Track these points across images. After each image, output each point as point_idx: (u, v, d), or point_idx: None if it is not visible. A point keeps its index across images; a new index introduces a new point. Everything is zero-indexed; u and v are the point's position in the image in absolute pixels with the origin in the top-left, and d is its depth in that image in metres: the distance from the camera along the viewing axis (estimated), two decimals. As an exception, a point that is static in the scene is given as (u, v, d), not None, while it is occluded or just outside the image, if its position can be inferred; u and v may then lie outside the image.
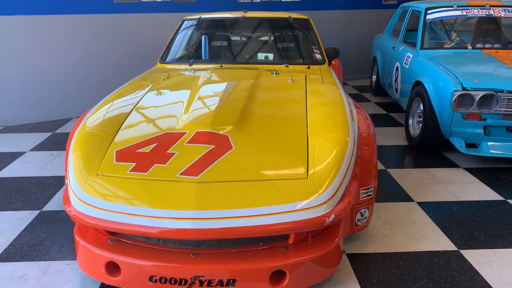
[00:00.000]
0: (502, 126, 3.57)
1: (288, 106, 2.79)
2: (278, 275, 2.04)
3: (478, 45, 4.55)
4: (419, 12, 4.97)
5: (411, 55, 4.70)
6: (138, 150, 2.30)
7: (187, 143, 2.30)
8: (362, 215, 2.50)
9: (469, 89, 3.50)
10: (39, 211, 3.00)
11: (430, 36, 4.84)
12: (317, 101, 2.79)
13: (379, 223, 2.81)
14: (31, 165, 3.84)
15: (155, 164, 2.18)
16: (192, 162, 2.16)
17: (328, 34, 7.08)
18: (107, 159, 2.26)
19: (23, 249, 2.54)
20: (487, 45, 4.52)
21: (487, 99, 3.47)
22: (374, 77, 6.50)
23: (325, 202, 2.04)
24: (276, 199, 2.01)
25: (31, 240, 2.64)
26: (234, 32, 4.16)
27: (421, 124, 4.07)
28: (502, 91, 3.44)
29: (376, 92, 6.43)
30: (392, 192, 3.25)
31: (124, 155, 2.28)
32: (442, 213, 2.95)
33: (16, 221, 2.87)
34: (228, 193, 2.03)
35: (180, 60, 3.84)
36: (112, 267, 2.08)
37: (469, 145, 3.74)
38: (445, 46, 4.72)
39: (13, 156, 4.05)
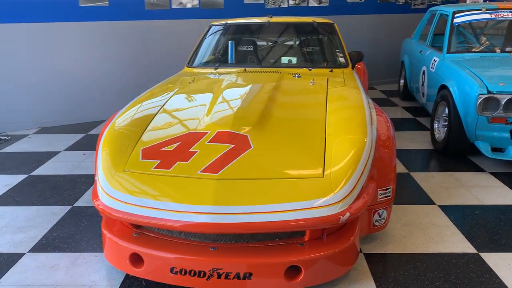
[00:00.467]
0: (529, 130, 3.52)
1: (308, 108, 2.86)
2: (293, 270, 2.10)
3: (508, 49, 4.49)
4: (447, 15, 4.94)
5: (437, 59, 4.68)
6: (163, 149, 2.41)
7: (208, 142, 2.40)
8: (380, 216, 2.53)
9: (494, 92, 3.47)
10: (71, 206, 3.17)
11: (458, 39, 4.80)
12: (337, 104, 2.84)
13: (398, 225, 2.83)
14: (64, 164, 4.04)
15: (178, 162, 2.29)
16: (213, 160, 2.26)
17: (356, 38, 7.10)
18: (133, 157, 2.38)
19: (55, 241, 2.70)
20: (517, 49, 4.45)
21: (514, 103, 3.44)
22: (402, 81, 6.46)
23: (340, 200, 2.09)
24: (292, 196, 2.08)
25: (63, 233, 2.79)
26: (259, 37, 4.26)
27: (446, 128, 4.04)
28: (529, 95, 3.40)
29: (403, 96, 6.39)
30: (414, 195, 3.26)
31: (150, 153, 2.40)
32: (464, 216, 2.94)
33: (49, 215, 3.04)
34: (245, 190, 2.11)
35: (206, 64, 3.96)
36: (136, 259, 2.19)
37: (495, 149, 3.69)
38: (472, 50, 4.68)
39: (48, 156, 4.27)
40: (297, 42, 4.29)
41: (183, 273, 2.10)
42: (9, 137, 4.90)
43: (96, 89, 5.57)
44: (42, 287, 2.26)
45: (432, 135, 4.36)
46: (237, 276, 2.06)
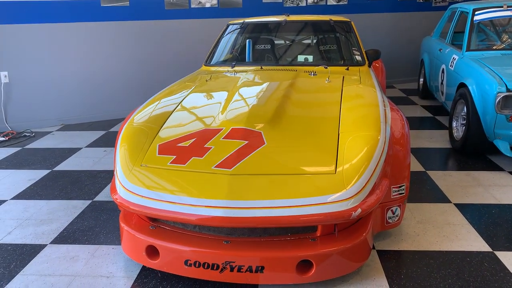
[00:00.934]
0: (549, 129, 3.47)
1: (322, 105, 2.88)
2: (305, 265, 2.13)
3: (530, 46, 4.41)
4: (467, 13, 4.88)
5: (456, 57, 4.63)
6: (179, 144, 2.47)
7: (223, 138, 2.45)
8: (393, 213, 2.54)
9: (513, 90, 3.43)
10: (91, 201, 3.26)
11: (478, 37, 4.74)
12: (351, 101, 2.85)
13: (413, 223, 2.83)
14: (86, 160, 4.15)
15: (193, 157, 2.34)
16: (227, 156, 2.30)
17: (376, 37, 7.06)
18: (150, 152, 2.45)
19: (75, 234, 2.79)
20: (539, 46, 4.37)
21: (533, 101, 3.39)
22: (421, 80, 6.40)
23: (352, 196, 2.11)
24: (304, 192, 2.11)
25: (83, 226, 2.88)
26: (276, 35, 4.29)
27: (464, 127, 4.00)
28: (549, 93, 3.34)
29: (423, 95, 6.32)
30: (429, 193, 3.24)
31: (166, 148, 2.46)
32: (480, 215, 2.91)
33: (70, 209, 3.14)
34: (258, 185, 2.15)
35: (223, 62, 4.02)
36: (152, 251, 2.26)
37: (514, 148, 3.64)
38: (493, 48, 4.61)
39: (70, 152, 4.39)
40: (314, 41, 4.30)
41: (197, 265, 2.15)
42: (33, 134, 5.06)
43: (117, 87, 5.69)
44: (62, 276, 2.34)
45: (451, 133, 4.31)
46: (250, 269, 2.11)
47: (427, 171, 3.67)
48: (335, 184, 2.15)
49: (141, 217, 2.39)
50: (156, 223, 2.35)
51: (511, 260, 2.40)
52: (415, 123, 5.10)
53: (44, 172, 3.86)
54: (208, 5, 5.91)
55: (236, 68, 3.77)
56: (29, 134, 5.05)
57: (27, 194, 3.42)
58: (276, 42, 4.25)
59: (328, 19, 4.22)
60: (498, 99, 3.48)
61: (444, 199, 3.15)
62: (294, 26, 4.30)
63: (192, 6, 5.84)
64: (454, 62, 4.64)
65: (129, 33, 5.62)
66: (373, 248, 2.55)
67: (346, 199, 2.10)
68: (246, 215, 2.05)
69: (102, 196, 3.34)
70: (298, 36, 4.32)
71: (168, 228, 2.31)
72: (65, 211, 3.11)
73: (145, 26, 5.67)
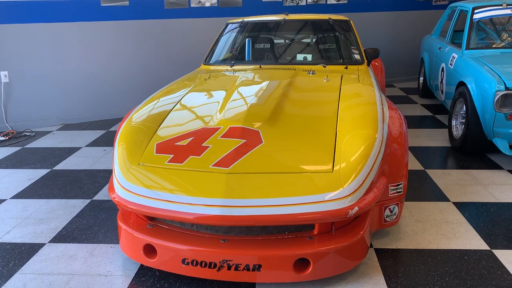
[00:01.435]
0: (548, 127, 3.46)
1: (320, 104, 2.88)
2: (302, 263, 2.14)
3: (529, 45, 4.40)
4: (467, 11, 4.87)
5: (456, 56, 4.62)
6: (176, 143, 2.48)
7: (221, 137, 2.45)
8: (391, 211, 2.54)
9: (512, 89, 3.42)
10: (90, 200, 3.27)
11: (477, 36, 4.73)
12: (349, 100, 2.85)
13: (411, 221, 2.83)
14: (85, 159, 4.16)
15: (191, 156, 2.35)
16: (224, 155, 2.31)
17: (376, 36, 7.06)
18: (148, 151, 2.46)
19: (74, 233, 2.80)
20: (538, 45, 4.36)
21: (532, 99, 3.38)
22: (421, 79, 6.40)
23: (349, 195, 2.12)
24: (301, 190, 2.11)
25: (81, 225, 2.89)
26: (275, 34, 4.29)
27: (463, 126, 4.00)
28: (548, 91, 3.34)
29: (423, 94, 6.32)
30: (428, 192, 3.24)
31: (164, 147, 2.47)
32: (478, 214, 2.91)
33: (69, 208, 3.15)
34: (256, 184, 2.15)
35: (222, 61, 4.02)
36: (149, 250, 2.26)
37: (513, 147, 3.64)
38: (492, 46, 4.60)
39: (70, 151, 4.40)
40: (313, 39, 4.31)
41: (194, 264, 2.16)
42: (34, 133, 5.07)
43: (117, 86, 5.70)
44: (60, 275, 2.35)
45: (450, 132, 4.31)
46: (247, 268, 2.11)
47: (426, 170, 3.67)
48: (332, 182, 2.15)
49: (139, 216, 2.40)
50: (154, 222, 2.35)
51: (509, 259, 2.40)
52: (415, 122, 5.10)
53: (44, 171, 3.87)
54: (208, 4, 5.91)
55: (235, 67, 3.78)
56: (29, 133, 5.07)
57: (27, 193, 3.43)
58: (275, 41, 4.25)
59: (327, 18, 4.22)
60: (497, 98, 3.47)
61: (442, 197, 3.15)
62: (293, 25, 4.30)
63: (192, 5, 5.84)
64: (454, 61, 4.64)
65: (129, 33, 5.63)
66: (371, 246, 2.56)
67: (343, 197, 2.11)
68: (243, 214, 2.06)
69: (101, 195, 3.34)
70: (297, 35, 4.33)
71: (165, 227, 2.32)
72: (64, 210, 3.12)
73: (145, 26, 5.68)
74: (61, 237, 2.75)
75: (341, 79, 3.29)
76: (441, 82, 5.10)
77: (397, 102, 6.10)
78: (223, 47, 4.23)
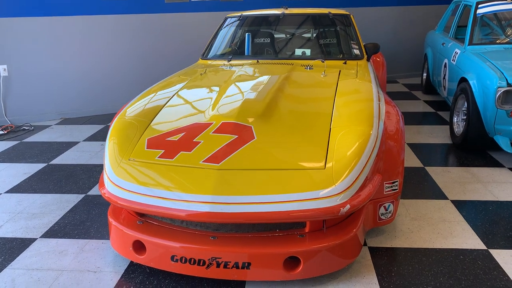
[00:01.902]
0: (551, 125, 3.39)
1: (316, 100, 2.83)
2: (292, 261, 2.10)
3: (533, 40, 4.32)
4: (471, 6, 4.79)
5: (459, 51, 4.55)
6: (168, 139, 2.44)
7: (213, 133, 2.41)
8: (386, 209, 2.49)
9: (514, 85, 3.35)
10: (84, 195, 3.25)
11: (481, 31, 4.65)
12: (345, 96, 2.80)
13: (407, 219, 2.78)
14: (82, 153, 4.14)
15: (181, 152, 2.31)
16: (215, 151, 2.27)
17: (379, 31, 6.98)
18: (139, 146, 2.42)
19: (66, 228, 2.78)
20: (543, 40, 4.28)
21: (534, 96, 3.31)
22: (424, 74, 6.32)
23: (341, 192, 2.07)
24: (292, 187, 2.07)
25: (74, 220, 2.87)
26: (274, 29, 4.24)
27: (465, 122, 3.93)
28: (550, 88, 3.27)
29: (426, 90, 6.24)
30: (426, 190, 3.19)
31: (155, 142, 2.43)
32: (476, 212, 2.86)
33: (63, 202, 3.13)
34: (246, 180, 2.12)
35: (220, 56, 3.97)
36: (139, 246, 2.24)
37: (515, 144, 3.57)
38: (496, 42, 4.52)
39: (68, 146, 4.38)
40: (312, 34, 4.25)
41: (183, 261, 2.13)
42: (32, 128, 5.06)
43: (117, 81, 5.67)
44: (49, 271, 2.33)
45: (451, 129, 4.25)
46: (236, 266, 2.08)
47: (425, 167, 3.61)
48: (324, 179, 2.10)
49: (129, 211, 2.37)
50: (144, 218, 2.32)
51: (505, 259, 2.35)
52: (417, 118, 5.04)
53: (40, 165, 3.86)
54: (208, -2, 5.86)
55: (233, 62, 3.73)
56: (28, 127, 5.06)
57: (22, 187, 3.41)
58: (274, 35, 4.19)
59: (327, 12, 4.16)
60: (498, 94, 3.41)
61: (441, 195, 3.10)
62: (292, 19, 4.24)
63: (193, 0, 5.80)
64: (456, 56, 4.56)
65: (129, 27, 5.59)
66: (365, 244, 2.51)
67: (335, 195, 2.06)
68: (232, 211, 2.02)
69: (95, 190, 3.32)
70: (296, 29, 4.27)
71: (155, 223, 2.29)
72: (57, 205, 3.10)
73: (145, 20, 5.64)
74: (53, 232, 2.73)
75: (339, 74, 3.23)
76: (444, 78, 5.03)
77: (399, 98, 6.03)
78: (221, 42, 4.18)
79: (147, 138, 2.48)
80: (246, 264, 2.08)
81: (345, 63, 3.61)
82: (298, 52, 3.90)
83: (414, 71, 7.33)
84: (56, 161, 3.97)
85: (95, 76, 5.56)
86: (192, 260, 2.12)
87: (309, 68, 3.39)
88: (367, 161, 2.23)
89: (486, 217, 2.80)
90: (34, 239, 2.65)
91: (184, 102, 2.87)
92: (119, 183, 2.23)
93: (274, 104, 2.67)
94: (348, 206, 2.06)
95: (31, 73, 5.24)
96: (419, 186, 3.25)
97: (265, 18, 4.30)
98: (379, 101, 2.74)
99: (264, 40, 4.11)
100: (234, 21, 4.28)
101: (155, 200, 2.11)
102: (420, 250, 2.45)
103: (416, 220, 2.76)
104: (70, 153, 4.17)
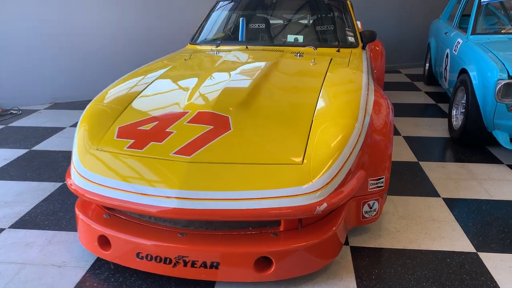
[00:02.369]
0: (553, 121, 3.21)
1: (301, 89, 2.67)
2: (264, 262, 1.97)
3: (539, 31, 4.11)
4: (475, -6, 4.57)
5: (461, 41, 4.35)
6: (139, 128, 2.30)
7: (187, 122, 2.27)
8: (370, 207, 2.35)
9: (516, 78, 3.17)
10: (62, 183, 3.13)
11: (485, 20, 4.44)
12: (332, 86, 2.64)
13: (395, 217, 2.63)
14: (67, 140, 4.02)
15: (152, 142, 2.17)
16: (187, 142, 2.13)
17: (382, 19, 6.77)
18: (109, 135, 2.29)
19: (37, 218, 2.66)
20: (550, 31, 4.07)
21: (536, 90, 3.13)
22: (427, 65, 6.11)
23: (318, 189, 1.93)
24: (266, 183, 1.93)
25: (47, 210, 2.75)
26: (266, 13, 4.06)
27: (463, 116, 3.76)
28: (554, 81, 3.08)
29: (428, 81, 6.05)
30: (418, 186, 3.04)
31: (125, 131, 2.29)
32: (469, 212, 2.71)
33: (39, 191, 3.01)
34: (217, 175, 1.98)
35: (209, 41, 3.81)
36: (104, 241, 2.11)
37: (514, 140, 3.40)
38: (501, 32, 4.31)
39: (53, 131, 4.26)
40: (305, 20, 4.06)
41: (149, 258, 2.01)
42: (20, 112, 4.94)
43: (111, 64, 5.52)
44: (12, 264, 2.22)
45: (450, 122, 4.07)
46: (204, 265, 1.95)
47: (419, 162, 3.46)
48: (300, 175, 1.96)
49: (98, 204, 2.25)
50: (112, 212, 2.20)
51: (495, 263, 2.21)
52: (416, 110, 4.86)
53: (22, 151, 3.75)
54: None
55: (221, 47, 3.57)
56: (16, 111, 4.94)
57: (-1, 174, 3.31)
58: (265, 20, 4.01)
59: (322, -3, 3.97)
60: (498, 87, 3.23)
61: (432, 192, 2.95)
62: (285, 4, 4.06)
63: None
64: (458, 46, 4.37)
65: (123, 8, 5.42)
66: (347, 244, 2.38)
67: (311, 192, 1.92)
68: (199, 207, 1.88)
69: (74, 179, 3.20)
70: (289, 15, 4.09)
71: (123, 217, 2.16)
72: (32, 193, 2.98)
73: (142, 1, 5.47)
74: (22, 223, 2.61)
75: (330, 63, 3.07)
76: (445, 69, 4.84)
77: (400, 89, 5.85)
78: (212, 26, 4.01)
79: (118, 126, 2.34)
80: (215, 264, 1.95)
81: (338, 51, 3.43)
82: (291, 38, 3.72)
83: (417, 60, 7.12)
84: (39, 147, 3.85)
85: (88, 59, 5.41)
86: (158, 258, 1.99)
87: (299, 55, 3.22)
88: (349, 156, 2.08)
89: (479, 217, 2.65)
90: (2, 230, 2.54)
91: (163, 89, 2.73)
92: (85, 174, 2.11)
93: (256, 94, 2.52)
94: (325, 205, 1.92)
95: (22, 56, 5.10)
96: (411, 182, 3.10)
97: (257, 2, 4.12)
98: (368, 92, 2.58)
99: (255, 26, 3.93)
100: (226, 5, 4.11)
101: (120, 194, 1.98)
102: (405, 252, 2.31)
103: (404, 219, 2.62)
104: (55, 139, 4.05)
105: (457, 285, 2.06)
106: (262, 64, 2.98)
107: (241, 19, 3.97)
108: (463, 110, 3.83)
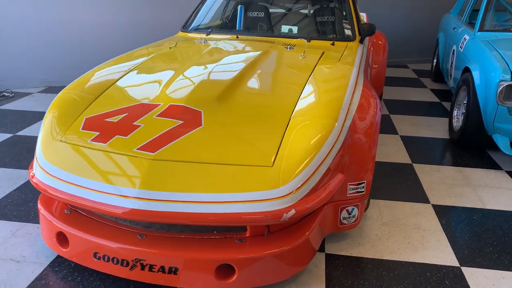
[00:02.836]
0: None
1: (284, 85, 2.52)
2: (227, 269, 1.85)
3: (551, 29, 3.88)
4: (486, -12, 4.33)
5: (467, 38, 4.14)
6: (107, 119, 2.18)
7: (157, 116, 2.14)
8: (349, 213, 2.21)
9: (519, 79, 2.98)
10: (39, 171, 3.03)
11: (495, 16, 4.21)
12: (318, 82, 2.48)
13: (378, 224, 2.49)
14: (54, 126, 3.92)
15: (117, 136, 2.05)
16: (153, 137, 2.00)
17: (391, 10, 6.54)
18: (75, 126, 2.17)
19: (6, 208, 2.57)
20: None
21: (540, 93, 2.94)
22: (435, 61, 5.89)
23: (287, 195, 1.80)
24: (231, 186, 1.80)
25: (18, 200, 2.66)
26: (260, 2, 3.88)
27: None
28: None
29: (435, 77, 5.83)
30: (407, 190, 2.88)
31: (92, 123, 2.18)
32: (458, 221, 2.55)
33: (14, 179, 2.92)
34: (180, 174, 1.85)
35: (199, 29, 3.66)
36: (62, 238, 2.01)
37: (515, 145, 3.22)
38: (511, 29, 4.08)
39: (41, 116, 4.17)
40: (306, 10, 3.88)
41: (106, 259, 1.90)
42: (13, 94, 4.86)
43: (108, 48, 5.39)
44: (-31, 257, 2.13)
45: (450, 123, 3.89)
46: (162, 270, 1.84)
47: (413, 164, 3.29)
48: (269, 179, 1.83)
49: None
50: (73, 207, 2.09)
51: (478, 280, 2.06)
52: (418, 108, 4.67)
53: (6, 136, 3.66)
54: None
55: (211, 36, 3.42)
56: (8, 94, 4.86)
57: (-22, 159, 3.23)
58: (258, 9, 3.83)
59: (321, -14, 3.79)
60: (500, 88, 3.04)
61: (422, 198, 2.79)
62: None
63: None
64: (464, 43, 4.16)
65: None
66: (323, 251, 2.24)
67: (279, 197, 1.79)
68: (158, 209, 1.76)
69: (51, 167, 3.10)
70: (285, 4, 3.91)
71: (84, 214, 2.05)
72: (7, 181, 2.90)
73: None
74: (-10, 212, 2.53)
75: (320, 56, 2.90)
76: (451, 66, 4.63)
77: (405, 85, 5.65)
78: (205, 14, 3.85)
79: (85, 117, 2.22)
80: (173, 269, 1.84)
81: (333, 44, 3.26)
82: (285, 29, 3.56)
83: (426, 56, 6.88)
84: (24, 132, 3.76)
85: (84, 42, 5.29)
86: (115, 259, 1.88)
87: (290, 48, 3.06)
88: (324, 159, 1.94)
89: (468, 227, 2.49)
90: (-32, 219, 2.46)
91: (139, 79, 2.59)
92: (45, 166, 2.00)
93: (235, 88, 2.37)
94: (293, 211, 1.79)
95: (16, 38, 5.00)
96: (401, 186, 2.94)
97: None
98: (354, 90, 2.42)
99: (249, 14, 3.77)
100: (222, -9, 3.94)
101: (77, 190, 1.87)
102: (383, 262, 2.17)
103: (388, 226, 2.48)
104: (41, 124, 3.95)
105: (433, 302, 1.92)
106: (248, 55, 2.84)
107: (239, 6, 3.81)
108: (464, 111, 3.65)
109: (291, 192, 1.81)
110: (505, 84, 3.01)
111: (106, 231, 1.95)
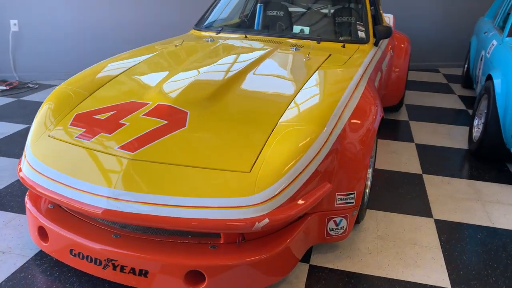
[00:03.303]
0: None
1: (279, 87, 2.44)
2: (197, 275, 1.81)
3: None
4: (520, -10, 4.09)
5: (495, 43, 3.91)
6: (95, 116, 2.18)
7: (143, 115, 2.12)
8: (336, 225, 2.12)
9: (540, 90, 2.78)
10: (43, 163, 3.10)
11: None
12: (315, 86, 2.40)
13: (372, 237, 2.38)
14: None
15: (102, 133, 2.05)
16: (135, 137, 1.99)
17: (425, 12, 6.30)
18: (64, 122, 2.19)
19: (4, 198, 2.64)
20: None
21: None
22: (466, 66, 5.62)
23: (261, 203, 1.74)
24: (205, 191, 1.75)
25: (17, 191, 2.72)
26: (273, 1, 3.80)
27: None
28: None
29: (465, 83, 5.56)
30: (411, 203, 2.74)
31: (81, 119, 2.18)
32: (459, 238, 2.40)
33: (19, 170, 2.99)
34: (156, 176, 1.82)
35: (212, 27, 3.63)
36: (43, 233, 2.03)
37: (535, 160, 3.01)
38: (543, 35, 3.83)
39: (60, 108, 4.26)
40: (326, 10, 3.77)
41: (81, 257, 1.90)
42: (37, 86, 5.01)
43: (129, 41, 5.46)
44: (-42, 245, 2.19)
45: (470, 132, 3.69)
46: (133, 271, 1.82)
47: (423, 174, 3.14)
48: (245, 185, 1.77)
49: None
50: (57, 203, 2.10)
51: (468, 305, 1.93)
52: (440, 115, 4.47)
53: (22, 127, 3.77)
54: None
55: (220, 35, 3.38)
56: (33, 85, 5.01)
57: (-10, 148, 3.33)
58: (279, 8, 3.74)
59: (336, -14, 3.67)
60: (520, 99, 2.85)
61: (425, 212, 2.65)
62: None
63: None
64: (492, 49, 3.94)
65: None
66: (308, 262, 2.16)
67: (253, 205, 1.73)
68: (130, 210, 1.74)
69: (56, 160, 3.16)
70: (298, 4, 3.82)
71: (66, 210, 2.07)
72: (12, 170, 2.97)
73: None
74: (-12, 202, 2.60)
75: (326, 59, 2.81)
76: (479, 72, 4.40)
77: (433, 90, 5.43)
78: (220, 12, 3.82)
79: (76, 113, 2.24)
80: (143, 271, 1.81)
81: (343, 46, 3.15)
82: (296, 29, 3.47)
83: (459, 60, 6.59)
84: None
85: (107, 36, 5.38)
86: (89, 257, 1.88)
87: (295, 49, 2.98)
88: (306, 167, 1.86)
89: (468, 246, 2.34)
90: (-34, 207, 2.54)
91: (136, 76, 2.59)
92: (31, 161, 2.02)
93: (227, 89, 2.32)
94: (266, 221, 1.72)
95: (42, 29, 5.15)
96: (405, 197, 2.81)
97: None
98: (352, 95, 2.32)
99: (267, 13, 3.69)
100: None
101: (57, 186, 1.88)
102: (368, 278, 2.07)
103: (382, 239, 2.36)
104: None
105: (414, 325, 1.81)
106: (249, 56, 2.78)
107: (258, 5, 3.76)
108: (484, 121, 3.45)
109: (266, 200, 1.74)
110: (525, 94, 2.82)
111: (83, 228, 1.95)
